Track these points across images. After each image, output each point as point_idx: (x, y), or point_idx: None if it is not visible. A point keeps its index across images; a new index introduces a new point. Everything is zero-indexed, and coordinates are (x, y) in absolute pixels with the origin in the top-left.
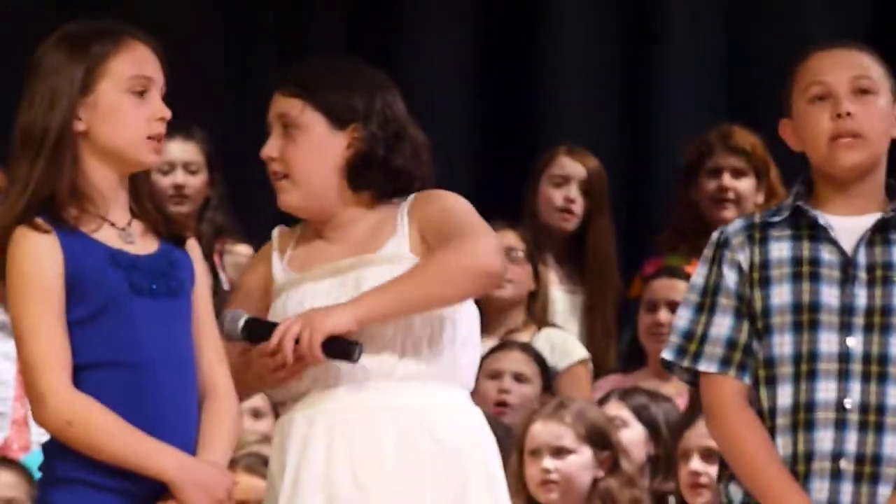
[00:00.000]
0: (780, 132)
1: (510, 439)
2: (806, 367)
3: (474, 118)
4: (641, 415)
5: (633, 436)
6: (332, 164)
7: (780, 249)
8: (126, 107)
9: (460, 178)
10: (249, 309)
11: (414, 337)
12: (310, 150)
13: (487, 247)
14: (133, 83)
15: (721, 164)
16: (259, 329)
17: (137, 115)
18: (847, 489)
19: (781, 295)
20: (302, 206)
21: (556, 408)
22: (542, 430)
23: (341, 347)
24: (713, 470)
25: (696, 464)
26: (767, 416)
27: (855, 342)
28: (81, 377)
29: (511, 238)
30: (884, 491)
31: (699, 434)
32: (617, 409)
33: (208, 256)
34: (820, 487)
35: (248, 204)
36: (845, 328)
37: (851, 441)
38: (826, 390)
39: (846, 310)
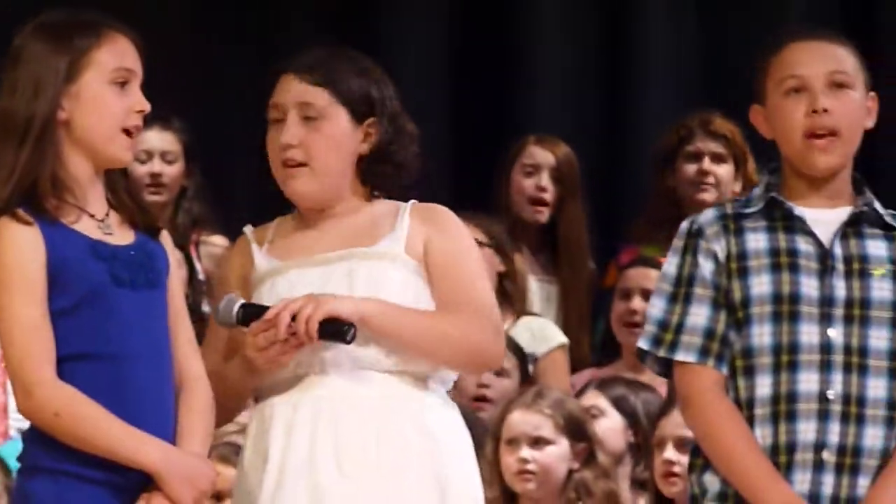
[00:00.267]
0: (750, 118)
1: (482, 431)
2: (787, 357)
3: (450, 110)
4: (620, 405)
5: (610, 425)
6: (350, 157)
7: (757, 240)
8: (108, 98)
9: (437, 169)
10: None
11: None
12: (333, 141)
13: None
14: (116, 75)
15: (701, 149)
16: (254, 313)
17: (119, 107)
18: (829, 480)
19: (761, 285)
20: (315, 196)
21: (534, 397)
22: (521, 420)
23: (336, 328)
24: (687, 459)
25: (670, 453)
26: (745, 406)
27: (836, 333)
28: (62, 368)
29: (475, 232)
30: (864, 482)
31: (674, 423)
32: (594, 399)
33: (184, 247)
34: (802, 479)
35: (224, 195)
36: (826, 319)
37: (834, 432)
38: (808, 381)
39: (826, 301)
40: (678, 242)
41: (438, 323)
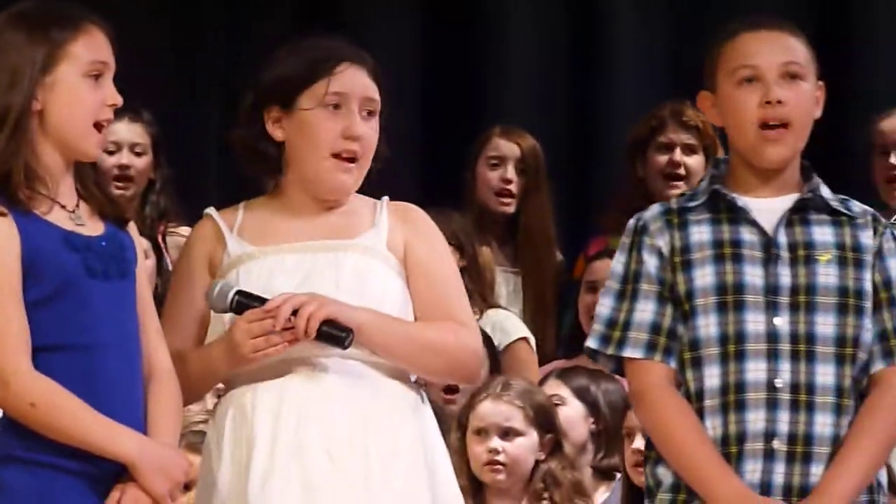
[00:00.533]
0: (698, 104)
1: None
2: (734, 347)
3: (419, 103)
4: (581, 394)
5: (572, 413)
6: None
7: (701, 233)
8: (83, 90)
9: (405, 162)
10: (200, 288)
11: None
12: (376, 139)
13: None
14: (91, 68)
15: (673, 140)
16: (250, 301)
17: (92, 100)
18: (780, 469)
19: (704, 277)
20: (352, 191)
21: (503, 387)
22: (492, 410)
23: (335, 332)
24: None
25: (639, 443)
26: (694, 398)
27: (782, 321)
28: (36, 359)
29: None
30: (816, 470)
31: None
32: (556, 388)
33: (154, 238)
34: (753, 468)
35: (192, 186)
36: (771, 308)
37: (783, 421)
38: (756, 370)
39: (771, 289)
40: (625, 240)
41: (424, 337)
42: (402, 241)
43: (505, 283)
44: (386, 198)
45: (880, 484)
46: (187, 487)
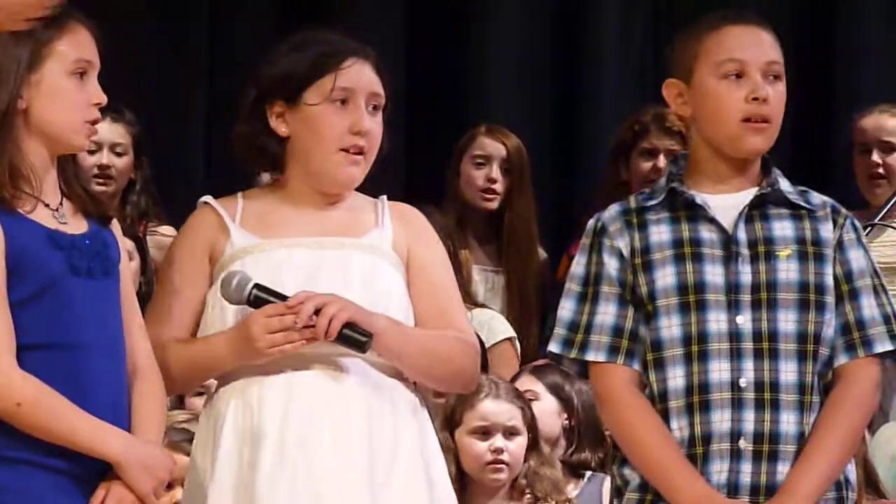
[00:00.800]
0: (664, 93)
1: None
2: (697, 347)
3: (403, 100)
4: (555, 390)
5: (545, 407)
6: None
7: (660, 233)
8: (69, 89)
9: (390, 161)
10: (203, 278)
11: None
12: (381, 133)
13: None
14: (75, 66)
15: (657, 145)
16: (268, 296)
17: (78, 99)
18: (746, 468)
19: (665, 277)
20: (358, 183)
21: (500, 387)
22: (496, 410)
23: (356, 336)
24: None
25: None
26: (658, 400)
27: (744, 320)
28: (20, 358)
29: None
30: (783, 468)
31: None
32: (530, 384)
33: (135, 237)
34: (720, 468)
35: (174, 186)
36: (733, 306)
37: (749, 420)
38: (719, 370)
39: (732, 288)
40: (585, 241)
41: (434, 347)
42: (405, 244)
43: (483, 282)
44: (384, 197)
45: (848, 480)
46: (170, 486)
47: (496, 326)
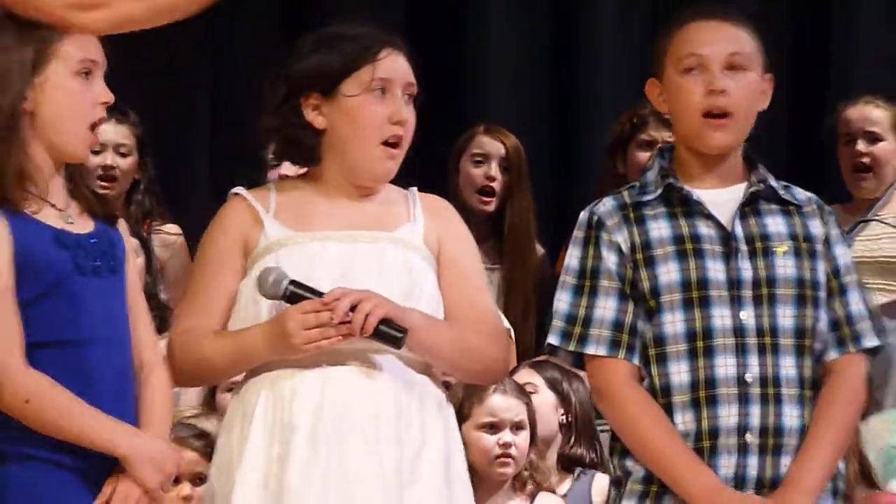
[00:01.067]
0: (646, 91)
1: None
2: (702, 343)
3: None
4: (553, 385)
5: (543, 400)
6: None
7: (660, 228)
8: (74, 89)
9: None
10: (236, 270)
11: None
12: (414, 124)
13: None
14: (80, 66)
15: (655, 137)
16: (304, 292)
17: (84, 99)
18: (753, 462)
19: (669, 273)
20: (391, 178)
21: (507, 383)
22: (504, 405)
23: (391, 332)
24: None
25: None
26: (660, 394)
27: (747, 315)
28: (28, 356)
29: None
30: (786, 461)
31: None
32: (529, 377)
33: (139, 236)
34: (727, 463)
35: (174, 186)
36: (736, 302)
37: (755, 415)
38: (725, 366)
39: (734, 284)
40: (578, 234)
41: (466, 341)
42: (435, 237)
43: None
44: (415, 189)
45: (839, 471)
46: (177, 480)
47: None
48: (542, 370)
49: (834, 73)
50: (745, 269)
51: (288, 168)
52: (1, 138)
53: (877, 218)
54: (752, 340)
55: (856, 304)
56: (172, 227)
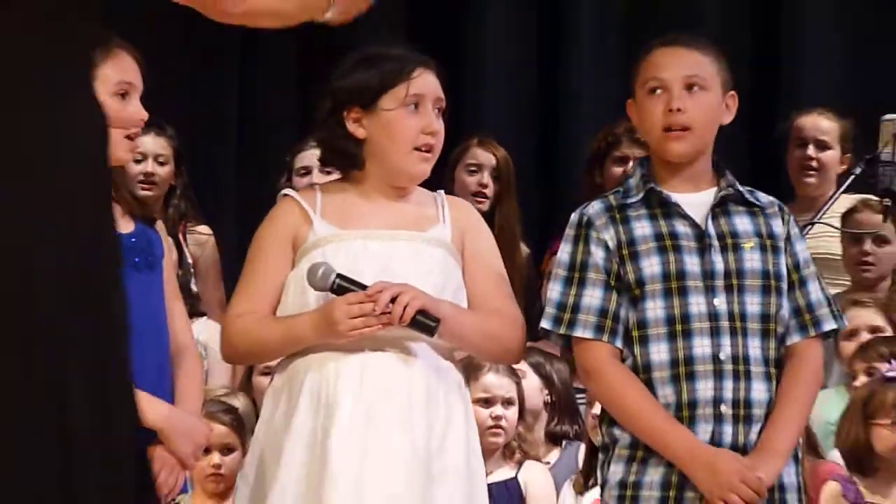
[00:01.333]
0: (627, 111)
1: None
2: (680, 327)
3: None
4: (537, 369)
5: (530, 383)
6: None
7: (643, 227)
8: (111, 108)
9: None
10: (286, 262)
11: None
12: (443, 134)
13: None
14: (118, 87)
15: (627, 154)
16: (350, 285)
17: (119, 117)
18: (727, 430)
19: (652, 266)
20: (425, 178)
21: (500, 364)
22: (497, 382)
23: (426, 321)
24: None
25: (597, 409)
26: (642, 370)
27: (720, 302)
28: None
29: None
30: (755, 429)
31: None
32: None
33: (174, 236)
34: (705, 430)
35: (205, 192)
36: (710, 291)
37: (728, 388)
38: (702, 346)
39: (708, 275)
40: (570, 232)
41: (490, 328)
42: (460, 235)
43: None
44: (442, 192)
45: (798, 441)
46: (208, 451)
47: None
48: (527, 356)
49: (783, 80)
50: (718, 263)
51: (317, 176)
52: None
53: (821, 221)
54: (724, 324)
55: (815, 293)
56: (204, 228)
